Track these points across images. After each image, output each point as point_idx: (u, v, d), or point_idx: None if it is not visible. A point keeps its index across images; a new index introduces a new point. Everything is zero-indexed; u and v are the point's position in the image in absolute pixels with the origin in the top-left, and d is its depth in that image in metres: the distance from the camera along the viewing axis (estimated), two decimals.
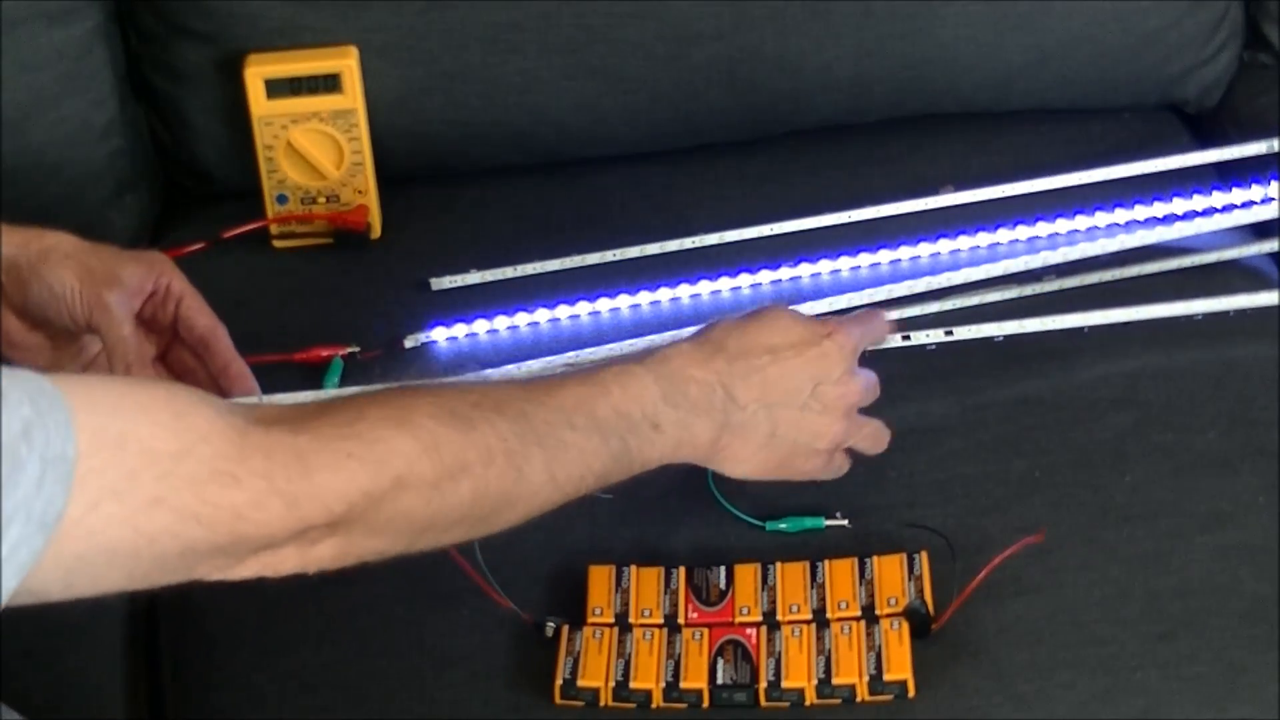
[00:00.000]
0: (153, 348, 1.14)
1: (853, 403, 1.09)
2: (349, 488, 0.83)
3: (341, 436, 0.84)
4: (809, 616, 1.11)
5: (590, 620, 1.11)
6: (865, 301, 1.32)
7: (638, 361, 1.01)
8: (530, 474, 0.92)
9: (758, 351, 1.05)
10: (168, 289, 1.13)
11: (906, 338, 1.21)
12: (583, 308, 1.34)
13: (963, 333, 1.22)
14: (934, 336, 1.22)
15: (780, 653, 1.08)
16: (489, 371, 1.26)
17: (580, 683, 1.08)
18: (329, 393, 0.92)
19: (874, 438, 1.13)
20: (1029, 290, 1.32)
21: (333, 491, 0.82)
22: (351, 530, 0.85)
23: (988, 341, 1.23)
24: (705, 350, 1.04)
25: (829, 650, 1.08)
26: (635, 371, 1.00)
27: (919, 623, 1.09)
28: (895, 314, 1.23)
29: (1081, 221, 1.39)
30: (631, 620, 1.11)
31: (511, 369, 1.28)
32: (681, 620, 1.11)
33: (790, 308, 1.10)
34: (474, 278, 1.37)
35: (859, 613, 1.10)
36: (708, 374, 1.03)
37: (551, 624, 1.11)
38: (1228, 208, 1.39)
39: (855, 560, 1.13)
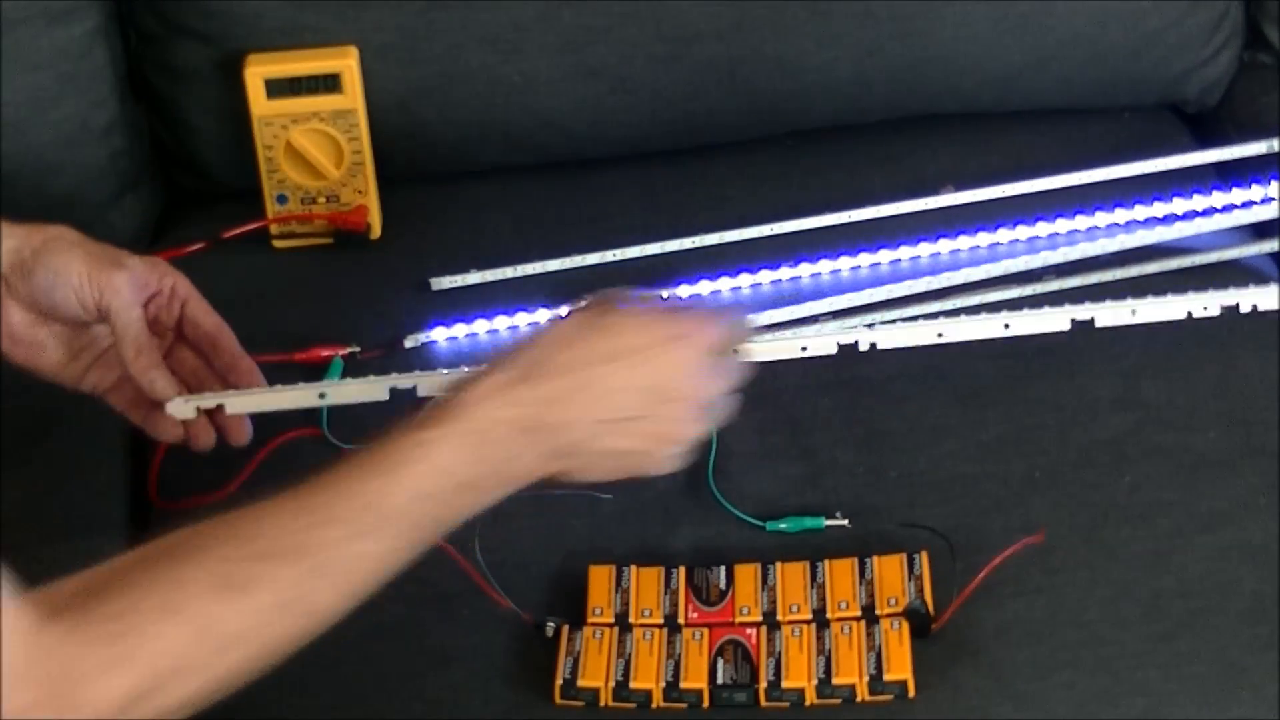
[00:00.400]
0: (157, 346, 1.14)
1: (708, 403, 0.99)
2: (116, 693, 0.80)
3: (110, 637, 0.80)
4: (809, 616, 1.11)
5: (590, 620, 1.11)
6: (865, 302, 1.32)
7: (436, 423, 0.92)
8: (321, 605, 0.88)
9: (583, 364, 0.95)
10: (173, 289, 1.14)
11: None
12: None
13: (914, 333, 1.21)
14: (925, 337, 1.22)
15: (780, 653, 1.08)
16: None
17: (580, 683, 1.08)
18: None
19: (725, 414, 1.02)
20: (1029, 290, 1.32)
21: (103, 698, 0.80)
22: (130, 713, 0.82)
23: (988, 341, 1.23)
24: (511, 381, 0.94)
25: (829, 650, 1.08)
26: (432, 439, 0.91)
27: (919, 623, 1.09)
28: (894, 314, 1.23)
29: (1081, 221, 1.39)
30: (631, 620, 1.11)
31: None
32: (681, 620, 1.11)
33: (634, 302, 1.00)
34: (474, 278, 1.37)
35: (859, 613, 1.10)
36: (517, 410, 0.93)
37: (551, 624, 1.11)
38: (1228, 208, 1.39)
39: (855, 560, 1.13)
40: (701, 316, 1.00)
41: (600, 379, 0.95)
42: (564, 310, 1.00)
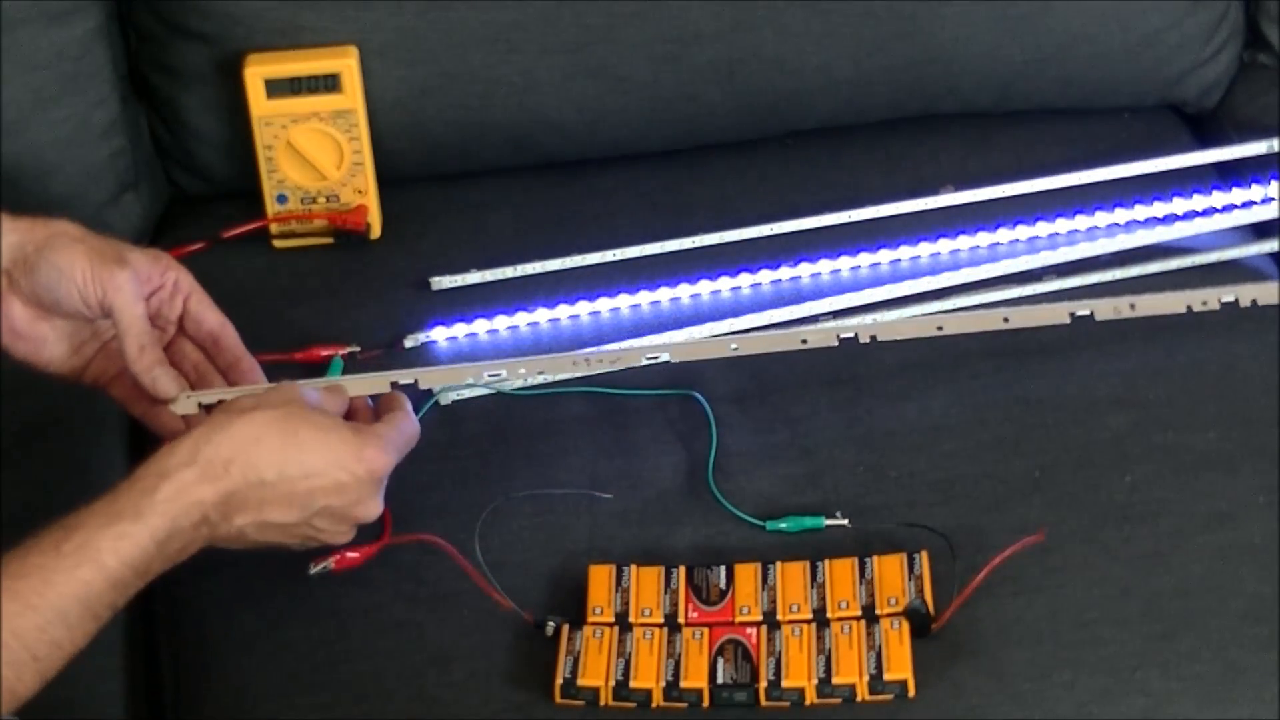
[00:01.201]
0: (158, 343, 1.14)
1: (365, 520, 1.09)
2: None
3: None
4: (809, 616, 1.11)
5: (590, 620, 1.11)
6: (865, 301, 1.32)
7: (133, 516, 0.98)
8: (24, 686, 0.92)
9: (263, 474, 1.03)
10: (175, 284, 1.14)
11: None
12: (583, 308, 1.34)
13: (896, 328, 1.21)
14: (925, 330, 1.22)
15: (780, 652, 1.08)
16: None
17: (580, 682, 1.08)
18: None
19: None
20: (1029, 290, 1.32)
21: None
22: None
23: (988, 341, 1.23)
24: (197, 479, 1.01)
25: (829, 650, 1.08)
26: (128, 534, 0.97)
27: (919, 622, 1.09)
28: (896, 315, 1.23)
29: (1081, 221, 1.39)
30: (632, 620, 1.11)
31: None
32: (682, 620, 1.11)
33: (317, 405, 1.08)
34: (474, 278, 1.37)
35: (859, 612, 1.10)
36: (199, 512, 1.01)
37: (551, 623, 1.11)
38: (1228, 208, 1.39)
39: (855, 560, 1.13)
40: (376, 442, 1.07)
41: (274, 491, 1.03)
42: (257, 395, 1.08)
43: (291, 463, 1.03)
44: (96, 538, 0.96)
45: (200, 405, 1.12)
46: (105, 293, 1.08)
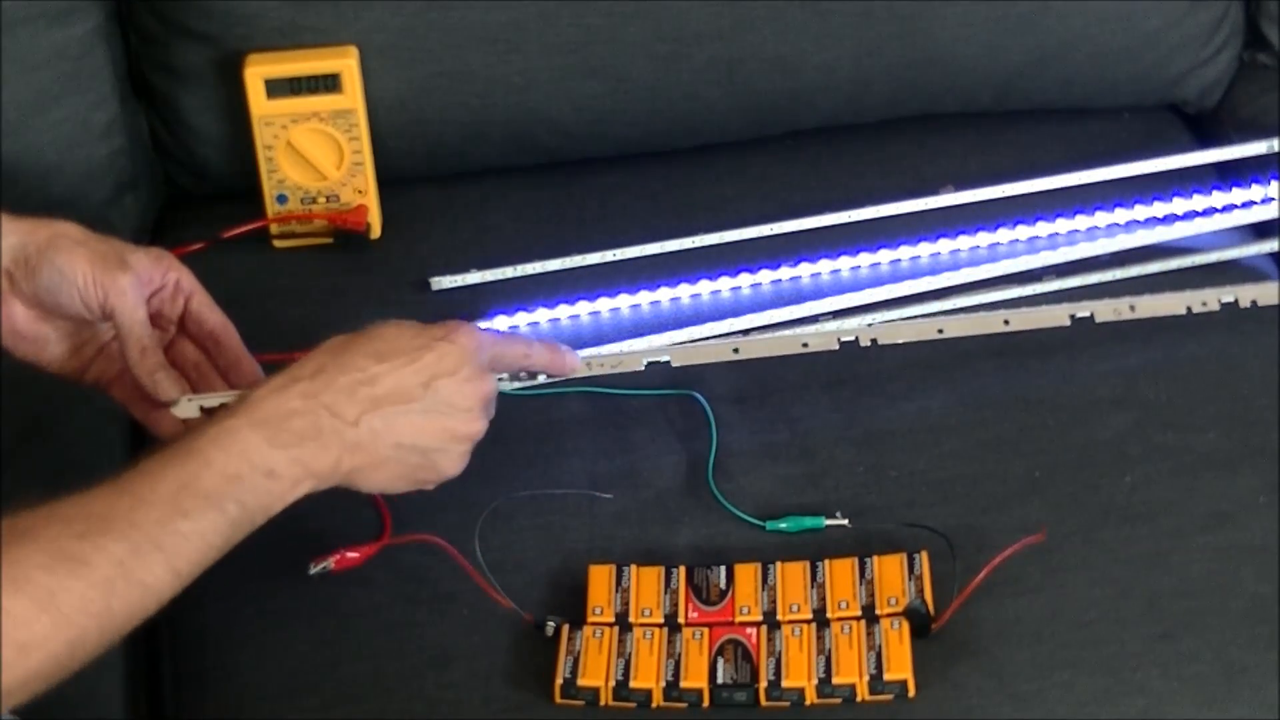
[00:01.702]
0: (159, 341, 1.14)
1: (483, 398, 1.07)
2: None
3: None
4: (809, 616, 1.11)
5: (590, 620, 1.11)
6: (866, 301, 1.32)
7: (232, 414, 0.98)
8: (154, 581, 0.91)
9: (358, 365, 1.02)
10: (177, 284, 1.14)
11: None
12: (583, 308, 1.34)
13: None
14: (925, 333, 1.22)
15: (780, 652, 1.08)
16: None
17: (580, 682, 1.08)
18: None
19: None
20: (1029, 290, 1.32)
21: None
22: None
23: (988, 341, 1.23)
24: (297, 377, 1.01)
25: (829, 650, 1.08)
26: (232, 427, 0.97)
27: (919, 622, 1.09)
28: (896, 315, 1.23)
29: (1081, 221, 1.39)
30: (631, 620, 1.11)
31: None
32: (682, 620, 1.11)
33: (400, 321, 1.08)
34: (474, 278, 1.37)
35: (859, 612, 1.10)
36: (306, 402, 1.00)
37: (551, 623, 1.11)
38: (1228, 208, 1.39)
39: (855, 560, 1.13)
40: (457, 325, 1.07)
41: (376, 376, 1.02)
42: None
43: (375, 349, 1.04)
44: (205, 433, 0.97)
45: (201, 409, 1.12)
46: (107, 296, 1.08)
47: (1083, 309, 1.18)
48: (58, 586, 0.86)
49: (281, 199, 1.42)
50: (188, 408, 1.11)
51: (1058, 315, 1.18)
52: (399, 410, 1.03)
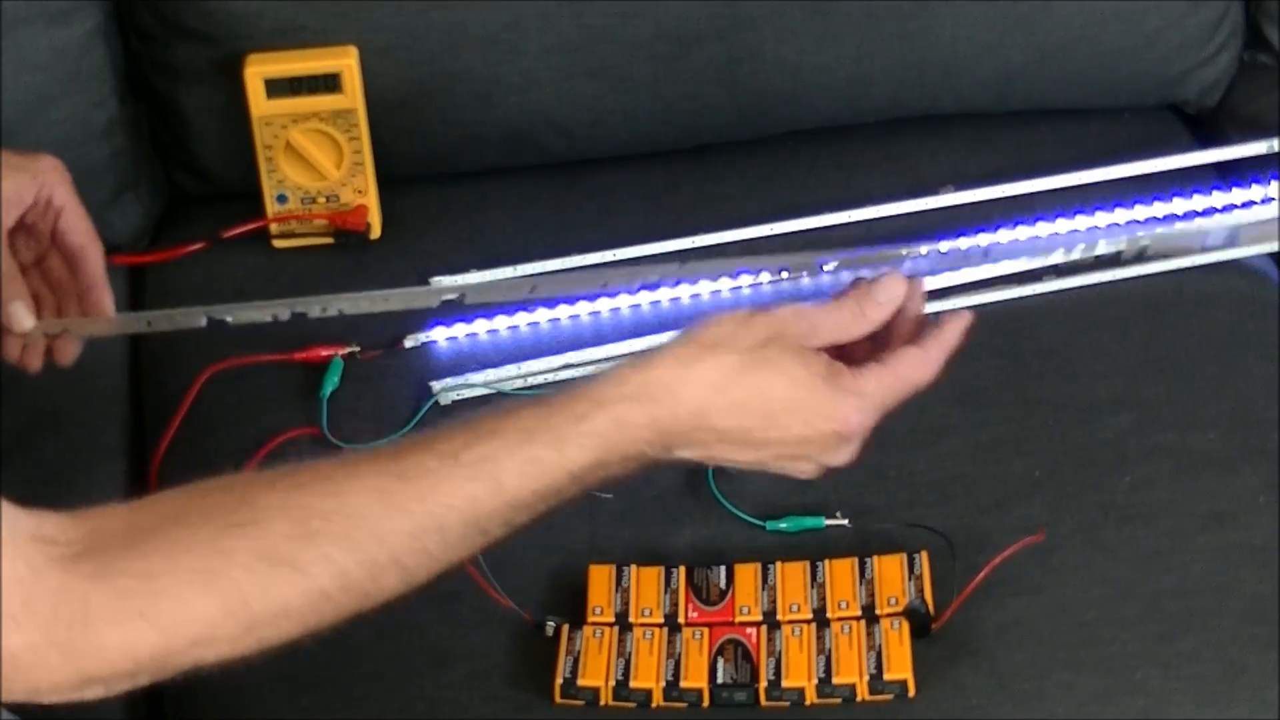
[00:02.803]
0: (31, 253, 1.13)
1: (829, 465, 0.95)
2: (136, 648, 0.79)
3: (137, 593, 0.78)
4: (809, 616, 1.11)
5: (590, 620, 1.11)
6: None
7: (552, 442, 0.87)
8: (381, 590, 0.86)
9: (721, 429, 0.90)
10: (49, 201, 1.12)
11: None
12: (583, 308, 1.34)
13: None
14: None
15: (780, 652, 1.08)
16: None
17: (580, 682, 1.08)
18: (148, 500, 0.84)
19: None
20: (1029, 290, 1.32)
21: (117, 650, 0.78)
22: (140, 678, 0.81)
23: (988, 341, 1.23)
24: (660, 416, 0.89)
25: (829, 650, 1.08)
26: (541, 458, 0.87)
27: (919, 622, 1.09)
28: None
29: (1081, 221, 1.39)
30: (632, 620, 1.11)
31: (511, 369, 1.29)
32: (682, 620, 1.11)
33: (798, 354, 0.91)
34: (474, 278, 1.37)
35: (859, 612, 1.10)
36: (657, 437, 0.89)
37: (551, 623, 1.11)
38: (1228, 208, 1.39)
39: (855, 560, 1.13)
40: (853, 401, 0.92)
41: (727, 435, 0.91)
42: (724, 324, 0.91)
43: (752, 414, 0.90)
44: (502, 455, 0.86)
45: (45, 335, 1.10)
46: None
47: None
48: (254, 591, 0.81)
49: (281, 199, 1.42)
50: (36, 334, 1.10)
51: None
52: (725, 458, 0.92)
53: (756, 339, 0.91)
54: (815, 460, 0.93)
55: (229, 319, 1.08)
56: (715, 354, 0.90)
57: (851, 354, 0.94)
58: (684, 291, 1.35)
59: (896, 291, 0.94)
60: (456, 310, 1.33)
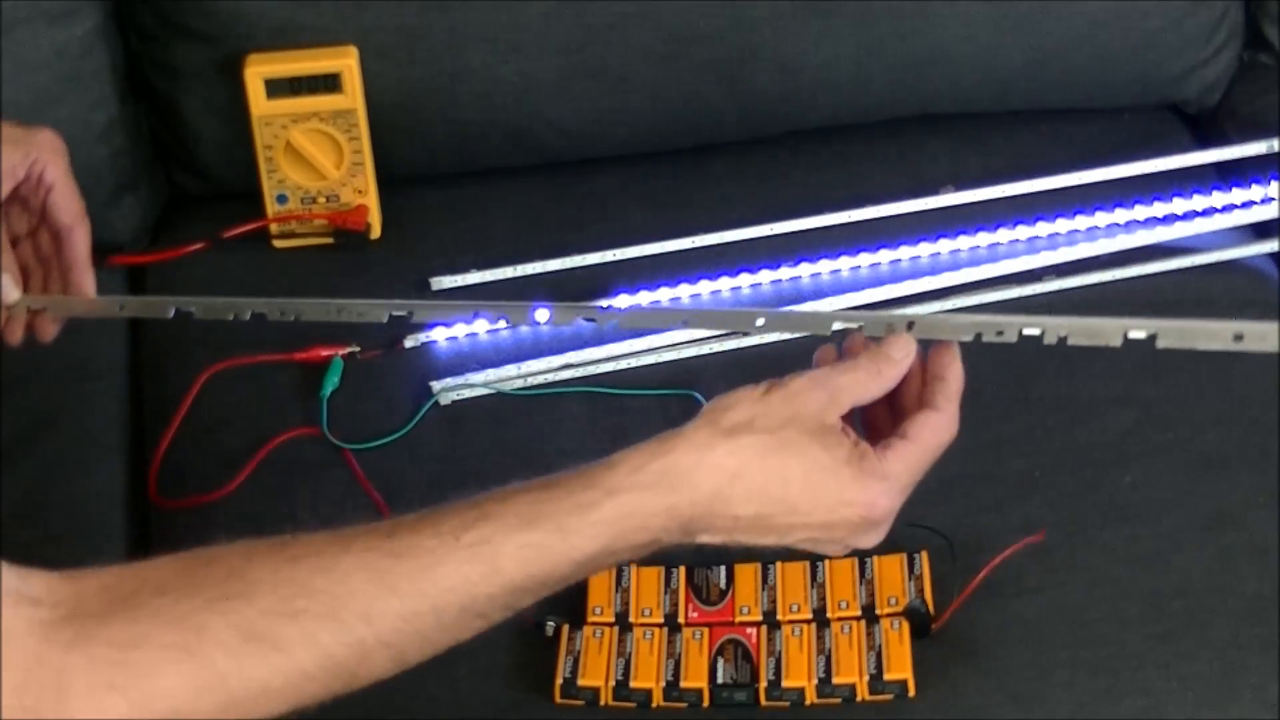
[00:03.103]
0: (23, 225, 1.13)
1: (854, 547, 0.91)
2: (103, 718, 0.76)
3: (111, 663, 0.76)
4: (809, 616, 1.11)
5: (590, 619, 1.11)
6: (866, 301, 1.32)
7: (555, 529, 0.84)
8: (369, 670, 0.83)
9: (741, 516, 0.87)
10: (40, 176, 1.12)
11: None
12: None
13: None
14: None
15: (780, 652, 1.08)
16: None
17: (580, 682, 1.08)
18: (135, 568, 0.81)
19: None
20: (1029, 290, 1.32)
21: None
22: None
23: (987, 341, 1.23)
24: (676, 504, 0.86)
25: (829, 650, 1.08)
26: (543, 545, 0.84)
27: (919, 622, 1.09)
28: (898, 312, 1.22)
29: (1081, 221, 1.39)
30: (632, 619, 1.11)
31: (511, 369, 1.29)
32: (682, 620, 1.11)
33: (819, 435, 0.87)
34: (474, 278, 1.37)
35: (859, 612, 1.10)
36: (672, 525, 0.86)
37: (551, 623, 1.11)
38: (1228, 208, 1.39)
39: (855, 560, 1.13)
40: (879, 486, 0.88)
41: (747, 523, 0.87)
42: (737, 406, 0.87)
43: (771, 500, 0.86)
44: (501, 539, 0.83)
45: (29, 309, 1.10)
46: None
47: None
48: (231, 670, 0.78)
49: (281, 199, 1.42)
50: (19, 307, 1.10)
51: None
52: (746, 543, 0.88)
53: (775, 420, 0.87)
54: (842, 543, 0.90)
55: (194, 311, 1.07)
56: (734, 438, 0.86)
57: (871, 416, 0.92)
58: (684, 291, 1.35)
59: (910, 345, 0.90)
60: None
